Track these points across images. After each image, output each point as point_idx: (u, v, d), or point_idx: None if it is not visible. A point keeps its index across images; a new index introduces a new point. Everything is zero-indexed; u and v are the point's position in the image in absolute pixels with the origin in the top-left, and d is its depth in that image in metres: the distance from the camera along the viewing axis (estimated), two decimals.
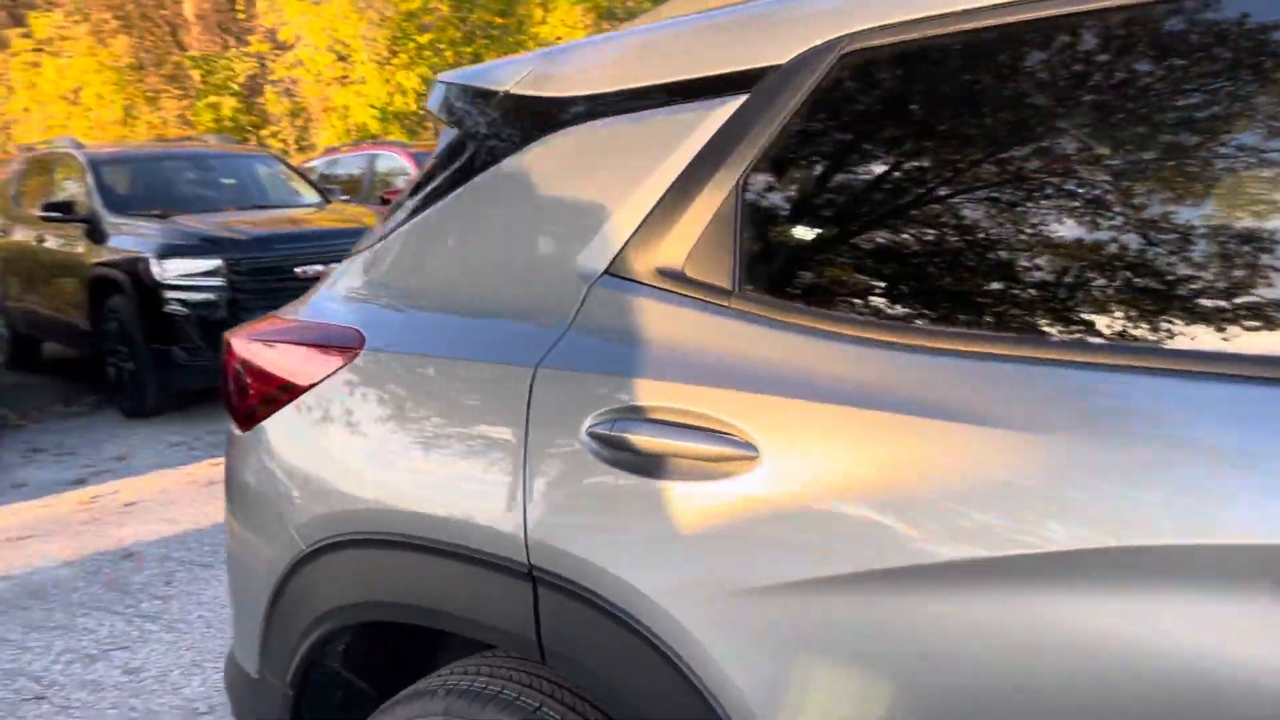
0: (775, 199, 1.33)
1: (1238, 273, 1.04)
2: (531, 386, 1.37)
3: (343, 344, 1.60)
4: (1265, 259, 1.03)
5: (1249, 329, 1.02)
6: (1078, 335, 1.09)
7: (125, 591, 3.83)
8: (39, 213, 7.27)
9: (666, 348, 1.31)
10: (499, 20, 16.65)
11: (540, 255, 1.49)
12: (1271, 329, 1.01)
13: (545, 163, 1.53)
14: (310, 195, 8.09)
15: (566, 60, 1.58)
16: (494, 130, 1.62)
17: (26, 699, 3.02)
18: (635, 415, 1.28)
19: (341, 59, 15.71)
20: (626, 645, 1.28)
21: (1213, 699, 0.93)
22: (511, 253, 1.52)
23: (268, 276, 6.32)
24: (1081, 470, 1.02)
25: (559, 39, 20.19)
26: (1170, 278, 1.07)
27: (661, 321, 1.34)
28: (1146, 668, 0.96)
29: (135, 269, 6.45)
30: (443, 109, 1.73)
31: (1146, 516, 0.98)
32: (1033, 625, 1.03)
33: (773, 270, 1.31)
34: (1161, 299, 1.07)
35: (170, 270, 6.33)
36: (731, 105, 1.35)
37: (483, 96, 1.65)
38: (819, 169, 1.34)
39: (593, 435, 1.30)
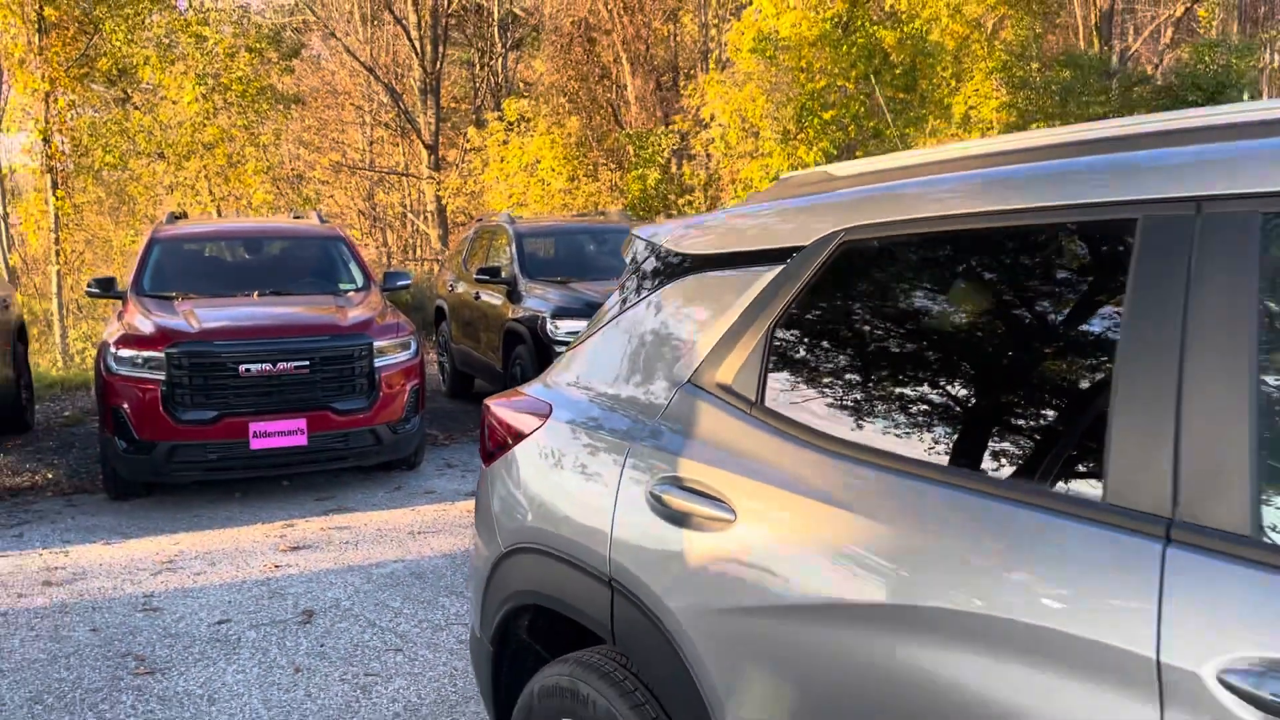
0: (787, 342, 1.88)
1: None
2: (627, 456, 2.02)
3: (540, 413, 2.34)
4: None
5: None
6: (936, 462, 1.54)
7: None
8: (476, 274, 9.00)
9: (706, 438, 1.91)
10: (902, 95, 17.10)
11: (655, 366, 2.13)
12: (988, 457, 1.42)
13: (670, 300, 2.17)
14: None
15: (694, 227, 2.22)
16: (650, 273, 2.29)
17: (389, 650, 4.11)
18: (674, 482, 1.89)
19: (753, 135, 17.03)
20: (657, 641, 1.87)
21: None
22: (641, 362, 2.18)
23: None
24: (900, 551, 1.49)
25: (972, 109, 20.14)
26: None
27: (710, 420, 1.93)
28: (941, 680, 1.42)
29: (535, 325, 7.84)
30: (628, 253, 2.43)
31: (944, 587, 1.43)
32: (871, 643, 1.50)
33: (776, 392, 1.85)
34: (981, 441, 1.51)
35: (560, 328, 7.62)
36: (774, 271, 1.92)
37: (649, 248, 2.34)
38: (813, 325, 1.86)
39: (651, 493, 1.92)
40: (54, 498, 6.68)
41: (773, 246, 1.95)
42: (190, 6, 19.29)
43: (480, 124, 22.39)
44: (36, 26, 17.55)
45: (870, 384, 1.73)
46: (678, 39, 27.97)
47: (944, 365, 1.64)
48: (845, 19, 17.29)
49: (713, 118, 16.87)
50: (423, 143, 27.95)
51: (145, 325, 6.32)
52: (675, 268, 2.20)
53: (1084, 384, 1.43)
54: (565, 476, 2.21)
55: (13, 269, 19.31)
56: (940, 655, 1.40)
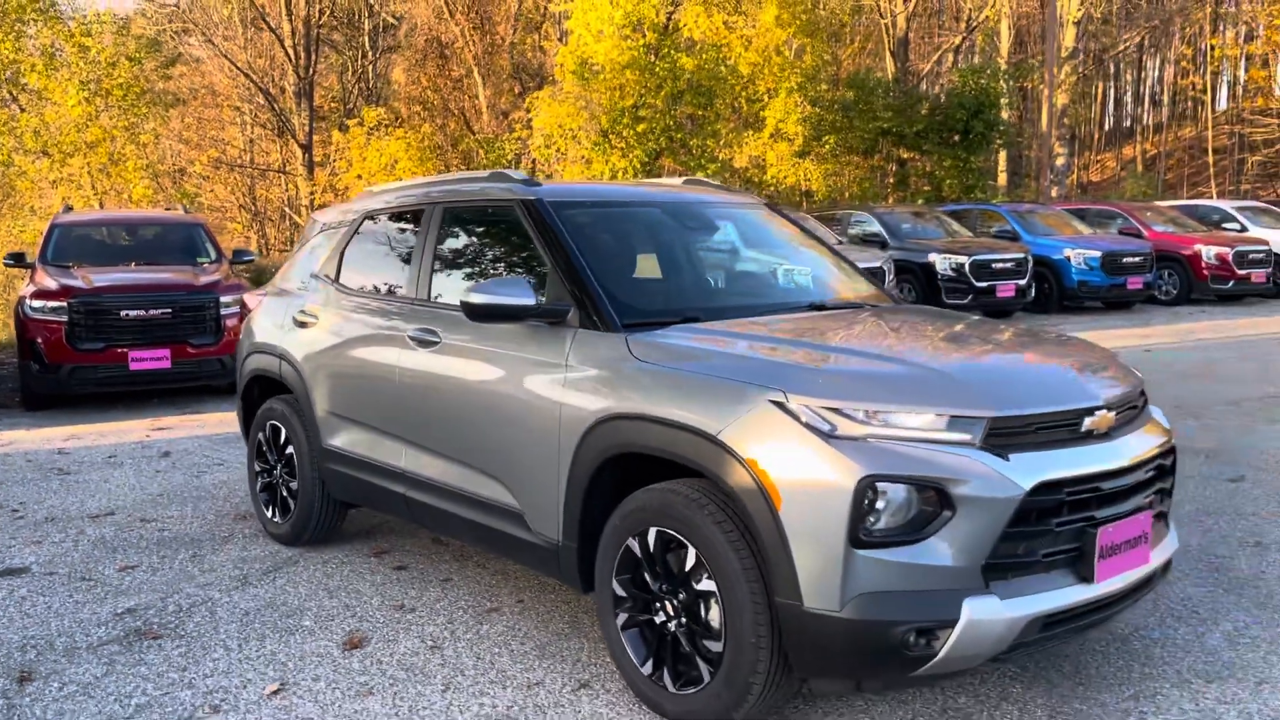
0: (348, 255, 4.75)
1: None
2: (289, 305, 4.88)
3: (262, 296, 5.17)
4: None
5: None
6: (406, 298, 4.44)
7: None
8: None
9: (314, 294, 4.79)
10: (700, 112, 20.24)
11: (306, 269, 4.99)
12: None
13: (316, 242, 5.03)
14: None
15: (330, 210, 5.09)
16: (315, 231, 5.15)
17: (215, 465, 6.83)
18: (302, 311, 4.76)
19: (576, 141, 19.98)
20: (294, 375, 4.72)
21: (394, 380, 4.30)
22: (302, 269, 5.03)
23: None
24: (372, 316, 4.39)
25: (779, 124, 23.29)
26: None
27: (318, 288, 4.81)
28: (396, 365, 4.34)
29: None
30: (311, 222, 5.28)
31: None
32: (378, 350, 4.38)
33: (340, 277, 4.73)
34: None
35: None
36: (346, 228, 4.81)
37: (314, 220, 5.19)
38: (355, 249, 4.74)
39: (293, 318, 4.79)
40: None
41: (347, 219, 4.84)
42: (74, 17, 21.13)
43: (343, 128, 24.82)
44: None
45: (369, 270, 4.62)
46: (540, 47, 30.69)
47: (392, 260, 4.52)
48: (655, 46, 20.36)
49: (539, 130, 19.77)
50: (297, 143, 30.00)
51: (52, 284, 8.87)
52: (322, 228, 5.06)
53: (415, 260, 4.33)
54: (268, 317, 5.05)
55: None
56: (377, 348, 4.28)
